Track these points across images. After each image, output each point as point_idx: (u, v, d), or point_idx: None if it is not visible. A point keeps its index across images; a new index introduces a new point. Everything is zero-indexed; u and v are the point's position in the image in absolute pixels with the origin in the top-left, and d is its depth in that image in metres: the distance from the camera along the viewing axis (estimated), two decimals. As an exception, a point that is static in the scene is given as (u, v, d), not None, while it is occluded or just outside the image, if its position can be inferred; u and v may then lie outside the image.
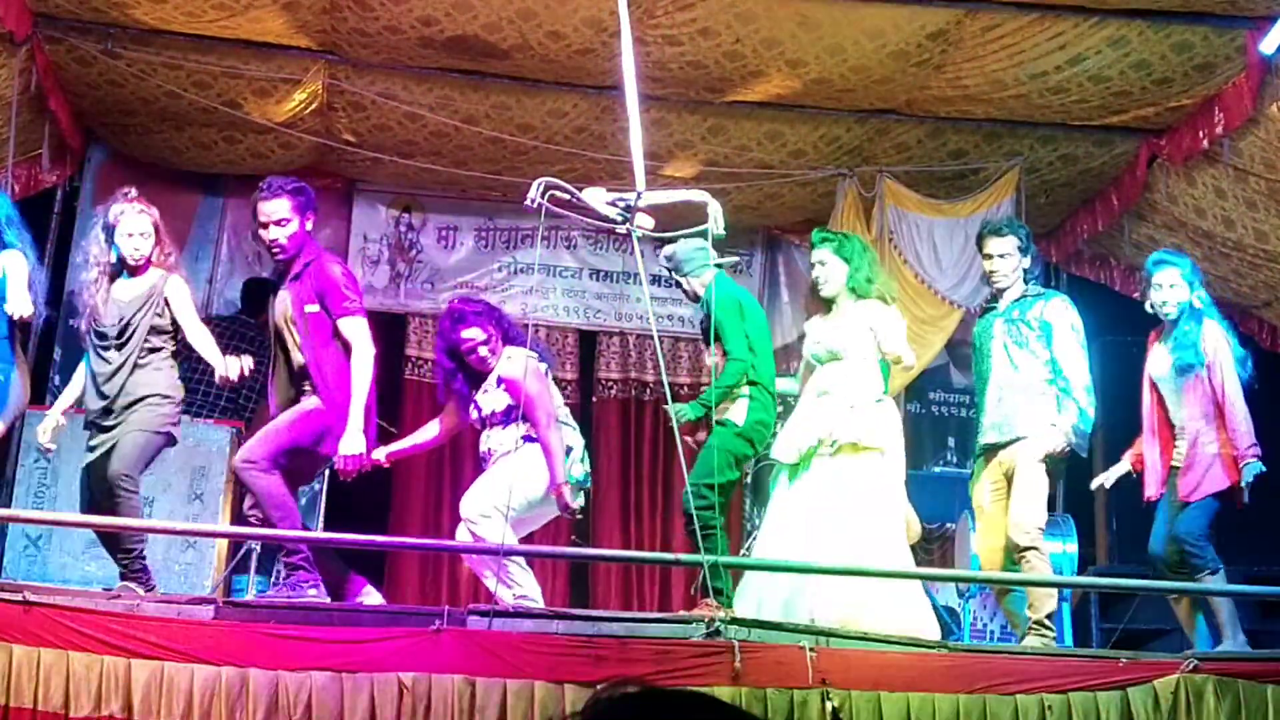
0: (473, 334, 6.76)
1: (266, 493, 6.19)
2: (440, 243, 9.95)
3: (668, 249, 6.84)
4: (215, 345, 6.46)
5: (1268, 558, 7.88)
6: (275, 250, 6.40)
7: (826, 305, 6.83)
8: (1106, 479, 7.11)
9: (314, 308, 6.29)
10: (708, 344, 6.73)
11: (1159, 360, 6.82)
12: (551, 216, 6.53)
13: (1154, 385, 6.86)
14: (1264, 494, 6.68)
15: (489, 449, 6.80)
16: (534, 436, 6.65)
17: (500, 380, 6.75)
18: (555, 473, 6.55)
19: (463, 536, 6.67)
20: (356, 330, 6.31)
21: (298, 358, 6.33)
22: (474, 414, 6.85)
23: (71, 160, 8.90)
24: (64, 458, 7.49)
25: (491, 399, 6.77)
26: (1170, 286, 6.70)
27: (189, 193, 9.40)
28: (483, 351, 6.75)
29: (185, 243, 8.94)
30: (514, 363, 6.73)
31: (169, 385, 6.41)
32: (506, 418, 6.68)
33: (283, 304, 6.39)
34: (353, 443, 6.22)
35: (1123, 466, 7.00)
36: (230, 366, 6.28)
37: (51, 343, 8.31)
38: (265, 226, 6.38)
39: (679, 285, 6.96)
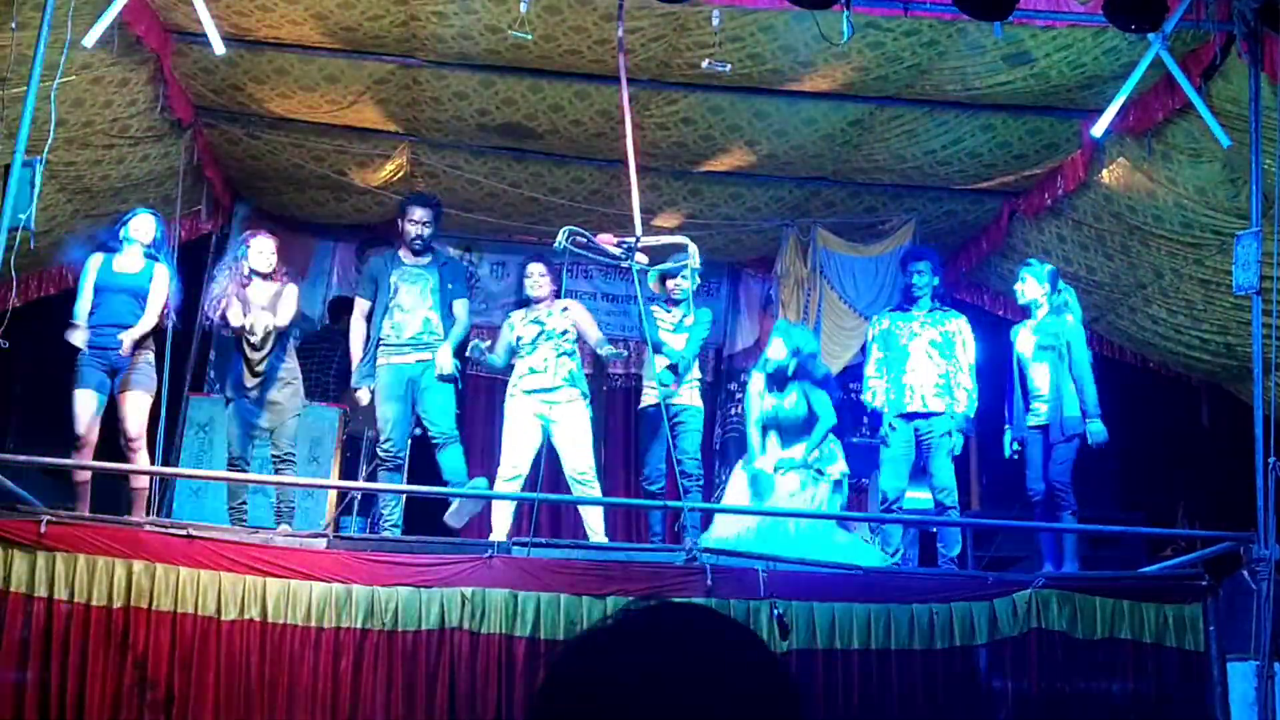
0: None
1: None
2: (493, 274, 9.86)
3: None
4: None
5: (1096, 504, 7.83)
6: (418, 242, 6.55)
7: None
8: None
9: (451, 285, 6.58)
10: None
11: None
12: (573, 255, 6.54)
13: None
14: (1094, 456, 6.64)
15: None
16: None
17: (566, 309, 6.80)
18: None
19: (583, 487, 6.48)
20: (465, 306, 6.73)
21: (430, 314, 6.49)
22: (538, 328, 6.69)
23: (223, 214, 8.83)
24: (216, 431, 7.47)
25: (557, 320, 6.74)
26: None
27: (309, 237, 9.35)
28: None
29: (305, 273, 8.90)
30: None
31: (294, 368, 6.45)
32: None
33: (432, 279, 6.56)
34: (447, 359, 6.44)
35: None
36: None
37: (208, 347, 8.26)
38: (416, 223, 6.53)
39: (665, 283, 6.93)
